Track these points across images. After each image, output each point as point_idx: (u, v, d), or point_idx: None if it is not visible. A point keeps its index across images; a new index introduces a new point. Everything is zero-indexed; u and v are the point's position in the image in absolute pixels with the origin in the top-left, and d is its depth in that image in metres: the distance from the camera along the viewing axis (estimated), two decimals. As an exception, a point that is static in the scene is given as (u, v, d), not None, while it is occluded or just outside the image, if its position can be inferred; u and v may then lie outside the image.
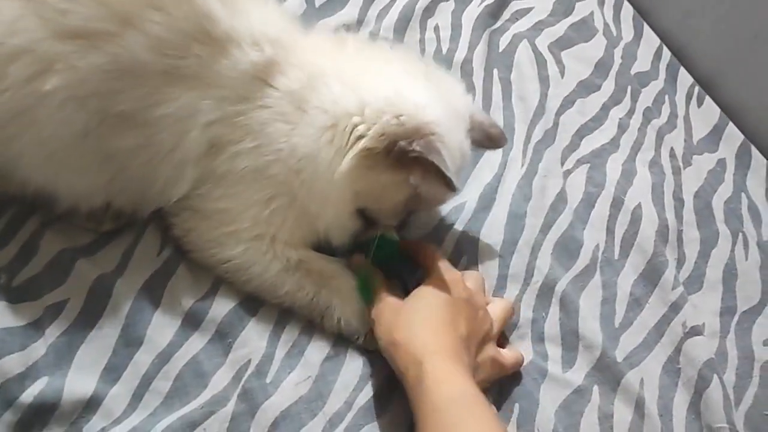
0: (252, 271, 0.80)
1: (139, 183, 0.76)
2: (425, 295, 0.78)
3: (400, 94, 0.75)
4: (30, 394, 0.69)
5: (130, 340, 0.76)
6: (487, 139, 0.84)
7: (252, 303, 0.81)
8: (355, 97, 0.75)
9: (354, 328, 0.80)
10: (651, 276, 0.96)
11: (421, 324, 0.74)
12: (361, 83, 0.76)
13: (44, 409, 0.69)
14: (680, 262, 1.00)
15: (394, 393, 0.78)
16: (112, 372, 0.74)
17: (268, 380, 0.77)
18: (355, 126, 0.74)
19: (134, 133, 0.72)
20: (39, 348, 0.73)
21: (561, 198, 1.00)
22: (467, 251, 0.92)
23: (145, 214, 0.81)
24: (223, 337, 0.79)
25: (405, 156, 0.73)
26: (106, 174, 0.75)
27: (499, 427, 0.68)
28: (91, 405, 0.71)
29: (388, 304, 0.77)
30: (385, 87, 0.76)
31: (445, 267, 0.81)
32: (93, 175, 0.75)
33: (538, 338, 0.88)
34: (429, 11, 1.17)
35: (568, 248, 0.95)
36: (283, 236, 0.80)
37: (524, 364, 0.84)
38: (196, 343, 0.78)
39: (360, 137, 0.74)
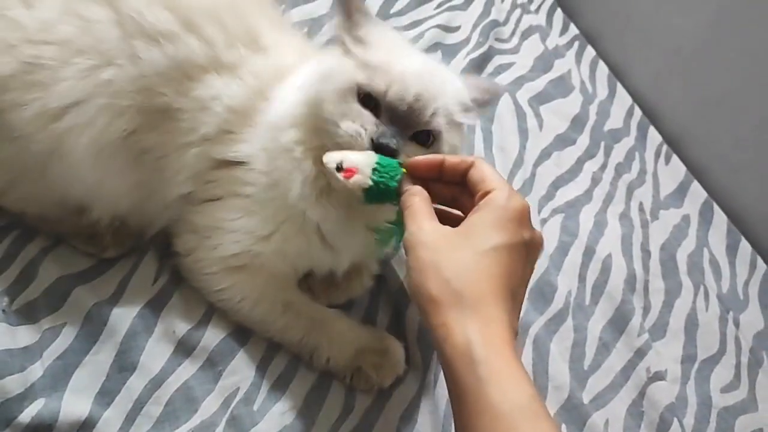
0: (241, 306, 0.83)
1: (153, 183, 0.80)
2: (483, 232, 0.61)
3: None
4: (28, 414, 0.71)
5: (123, 366, 0.79)
6: (487, 93, 0.82)
7: (242, 333, 0.85)
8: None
9: (342, 369, 0.84)
10: (619, 322, 1.02)
11: (476, 280, 0.59)
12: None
13: (41, 430, 0.72)
14: (646, 310, 1.06)
15: (373, 426, 0.82)
16: (106, 396, 0.77)
17: (255, 408, 0.80)
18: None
19: (164, 127, 0.77)
20: (37, 370, 0.75)
21: (537, 245, 1.06)
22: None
23: (153, 230, 0.85)
24: (214, 365, 0.82)
25: None
26: (135, 176, 0.79)
27: None
28: (85, 427, 0.74)
29: (426, 237, 0.62)
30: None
31: (506, 187, 0.65)
32: (125, 177, 0.79)
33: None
34: (417, 62, 1.24)
35: (543, 292, 1.01)
36: (271, 290, 0.83)
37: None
38: (187, 369, 0.81)
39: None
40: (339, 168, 0.69)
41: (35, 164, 0.76)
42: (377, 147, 0.70)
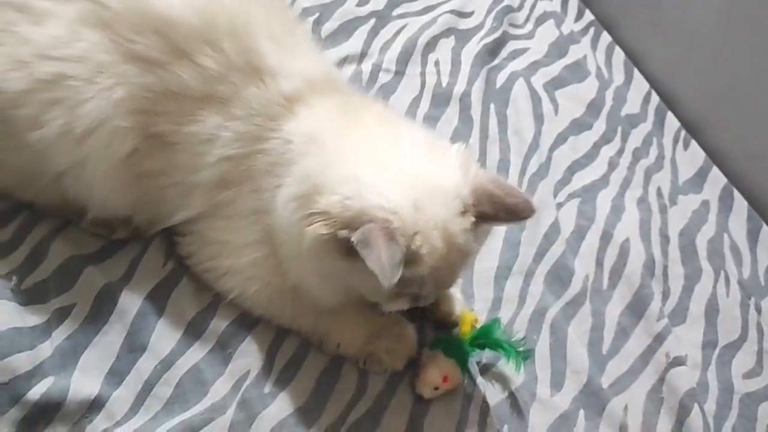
0: (248, 304, 0.82)
1: (156, 203, 0.80)
2: None
3: (359, 178, 0.69)
4: (36, 392, 0.71)
5: (134, 346, 0.78)
6: (503, 211, 0.71)
7: (252, 316, 0.83)
8: (324, 176, 0.71)
9: (354, 354, 0.82)
10: (637, 307, 1.00)
11: None
12: (339, 162, 0.72)
13: (49, 408, 0.71)
14: (665, 296, 1.04)
15: (386, 409, 0.81)
16: (116, 376, 0.76)
17: (266, 390, 0.79)
18: (315, 204, 0.69)
19: (163, 156, 0.76)
20: (46, 349, 0.74)
21: (554, 228, 1.04)
22: (464, 273, 0.94)
23: (157, 229, 0.84)
24: (224, 348, 0.81)
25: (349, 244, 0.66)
26: (135, 192, 0.79)
27: None
28: (94, 406, 0.73)
29: None
30: (354, 168, 0.71)
31: None
32: (126, 192, 0.78)
33: (529, 360, 0.90)
34: (430, 46, 1.23)
35: (560, 276, 0.99)
36: (276, 281, 0.80)
37: (516, 386, 0.87)
38: (197, 352, 0.80)
39: (314, 215, 0.69)
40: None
41: (49, 176, 0.76)
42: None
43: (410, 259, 0.68)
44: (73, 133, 0.71)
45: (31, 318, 0.76)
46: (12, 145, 0.75)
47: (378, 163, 0.71)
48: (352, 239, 0.64)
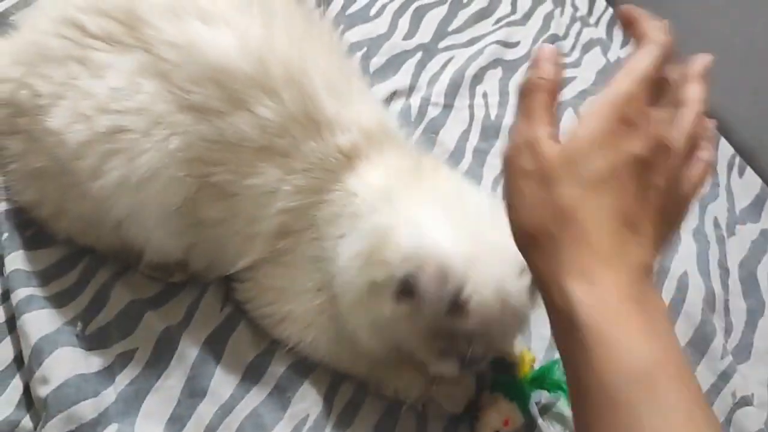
0: (306, 350, 0.82)
1: (214, 250, 0.81)
2: (580, 156, 0.47)
3: (422, 232, 0.70)
4: (102, 440, 0.71)
5: (194, 391, 0.78)
6: None
7: (310, 360, 0.83)
8: (392, 232, 0.71)
9: (412, 398, 0.81)
10: (699, 344, 0.97)
11: (583, 224, 0.45)
12: (405, 220, 0.72)
13: (115, 456, 0.71)
14: (727, 331, 1.01)
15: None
16: (177, 422, 0.76)
17: (326, 435, 0.78)
18: (380, 256, 0.70)
19: (222, 205, 0.76)
20: (110, 395, 0.75)
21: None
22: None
23: (215, 276, 0.85)
24: (283, 392, 0.80)
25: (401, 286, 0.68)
26: (190, 239, 0.80)
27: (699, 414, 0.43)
28: (157, 453, 0.73)
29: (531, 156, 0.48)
30: (421, 233, 0.70)
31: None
32: (182, 239, 0.79)
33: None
34: (477, 78, 1.22)
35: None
36: (333, 328, 0.80)
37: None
38: (256, 396, 0.80)
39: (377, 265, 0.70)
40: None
41: (109, 223, 0.77)
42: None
43: (458, 308, 0.67)
44: (130, 183, 0.72)
45: (94, 363, 0.77)
46: (75, 194, 0.76)
47: (441, 220, 0.71)
48: (405, 276, 0.66)
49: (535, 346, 0.91)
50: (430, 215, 0.72)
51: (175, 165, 0.73)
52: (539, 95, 0.50)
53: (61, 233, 0.83)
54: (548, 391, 0.85)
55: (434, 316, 0.69)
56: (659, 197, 0.48)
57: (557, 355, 0.89)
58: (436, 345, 0.72)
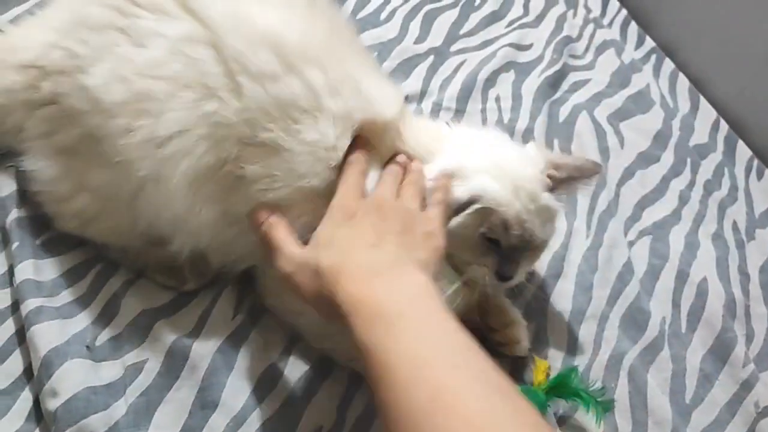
0: (326, 345, 0.82)
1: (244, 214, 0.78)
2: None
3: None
4: (112, 453, 0.70)
5: (206, 403, 0.77)
6: (576, 171, 0.83)
7: (323, 368, 0.82)
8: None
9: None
10: (720, 352, 0.95)
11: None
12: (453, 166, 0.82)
13: (126, 469, 0.70)
14: (749, 339, 0.99)
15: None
16: (189, 434, 0.75)
17: (339, 447, 0.77)
18: None
19: (268, 162, 0.75)
20: (120, 407, 0.74)
21: (627, 269, 1.00)
22: (536, 317, 0.92)
23: (234, 270, 0.84)
24: (295, 403, 0.79)
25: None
26: (224, 206, 0.77)
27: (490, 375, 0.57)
28: (169, 466, 0.72)
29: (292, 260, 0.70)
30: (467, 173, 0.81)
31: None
32: (214, 206, 0.77)
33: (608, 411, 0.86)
34: (490, 82, 1.20)
35: (635, 320, 0.95)
36: None
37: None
38: (268, 408, 0.78)
39: None
40: None
41: (129, 191, 0.75)
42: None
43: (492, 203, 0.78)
44: (154, 141, 0.72)
45: (105, 375, 0.76)
46: (97, 162, 0.75)
47: (477, 158, 0.83)
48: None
49: (552, 354, 0.90)
50: (469, 156, 0.82)
51: (206, 126, 0.73)
52: (278, 229, 0.73)
53: (73, 220, 0.81)
54: (565, 399, 0.83)
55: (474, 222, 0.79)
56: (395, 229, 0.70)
57: (575, 362, 0.89)
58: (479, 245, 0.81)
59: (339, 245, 0.68)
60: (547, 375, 0.85)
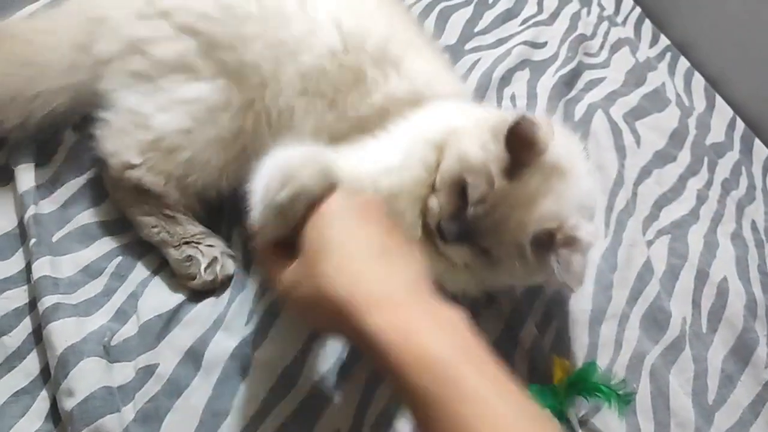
0: None
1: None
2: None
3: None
4: (121, 459, 0.69)
5: (217, 411, 0.75)
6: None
7: (340, 372, 0.80)
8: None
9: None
10: (742, 352, 0.93)
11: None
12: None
13: (135, 475, 0.69)
14: (771, 339, 0.97)
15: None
16: (200, 442, 0.73)
17: (356, 451, 0.75)
18: None
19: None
20: (129, 412, 0.72)
21: (647, 268, 0.98)
22: (557, 316, 0.90)
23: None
24: (311, 408, 0.77)
25: None
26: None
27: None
28: (180, 474, 0.70)
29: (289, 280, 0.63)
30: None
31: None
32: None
33: (630, 410, 0.85)
34: (505, 80, 1.19)
35: (656, 320, 0.93)
36: None
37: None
38: (283, 412, 0.76)
39: None
40: None
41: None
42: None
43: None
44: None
45: (117, 377, 0.74)
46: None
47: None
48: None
49: (573, 354, 0.88)
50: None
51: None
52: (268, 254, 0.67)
53: (148, 151, 0.81)
54: (586, 397, 0.82)
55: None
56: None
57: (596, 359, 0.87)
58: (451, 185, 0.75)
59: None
60: (567, 374, 0.84)
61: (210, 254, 0.83)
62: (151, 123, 0.80)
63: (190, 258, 0.82)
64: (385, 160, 0.76)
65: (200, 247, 0.83)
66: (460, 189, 0.74)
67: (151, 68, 0.81)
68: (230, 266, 0.84)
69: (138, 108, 0.81)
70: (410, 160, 0.76)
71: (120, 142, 0.81)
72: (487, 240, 0.73)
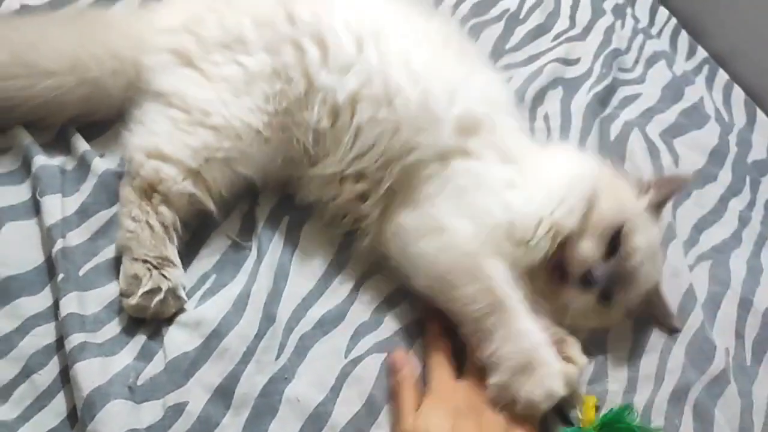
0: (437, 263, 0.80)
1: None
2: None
3: None
4: (155, 504, 0.67)
5: (248, 451, 0.73)
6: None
7: (371, 408, 0.78)
8: None
9: (501, 369, 0.75)
10: (788, 387, 0.90)
11: None
12: None
13: None
14: (819, 373, 0.93)
15: None
16: (230, 485, 0.71)
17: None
18: None
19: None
20: (159, 454, 0.71)
21: (690, 296, 0.95)
22: (596, 351, 0.87)
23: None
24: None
25: None
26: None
27: None
28: None
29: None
30: None
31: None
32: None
33: (672, 451, 0.82)
34: (538, 99, 1.16)
35: (702, 350, 0.90)
36: None
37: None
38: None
39: None
40: None
41: None
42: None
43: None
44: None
45: (145, 418, 0.73)
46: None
47: None
48: None
49: (612, 388, 0.85)
50: None
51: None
52: (406, 392, 0.77)
53: (215, 135, 0.85)
54: None
55: None
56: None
57: (636, 398, 0.84)
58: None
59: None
60: (597, 409, 0.80)
61: (157, 283, 0.80)
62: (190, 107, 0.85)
63: (136, 276, 0.80)
64: (554, 194, 0.81)
65: (154, 272, 0.80)
66: (611, 236, 0.80)
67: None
68: (170, 307, 0.81)
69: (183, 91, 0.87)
70: (574, 200, 0.81)
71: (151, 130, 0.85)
72: (617, 288, 0.81)
